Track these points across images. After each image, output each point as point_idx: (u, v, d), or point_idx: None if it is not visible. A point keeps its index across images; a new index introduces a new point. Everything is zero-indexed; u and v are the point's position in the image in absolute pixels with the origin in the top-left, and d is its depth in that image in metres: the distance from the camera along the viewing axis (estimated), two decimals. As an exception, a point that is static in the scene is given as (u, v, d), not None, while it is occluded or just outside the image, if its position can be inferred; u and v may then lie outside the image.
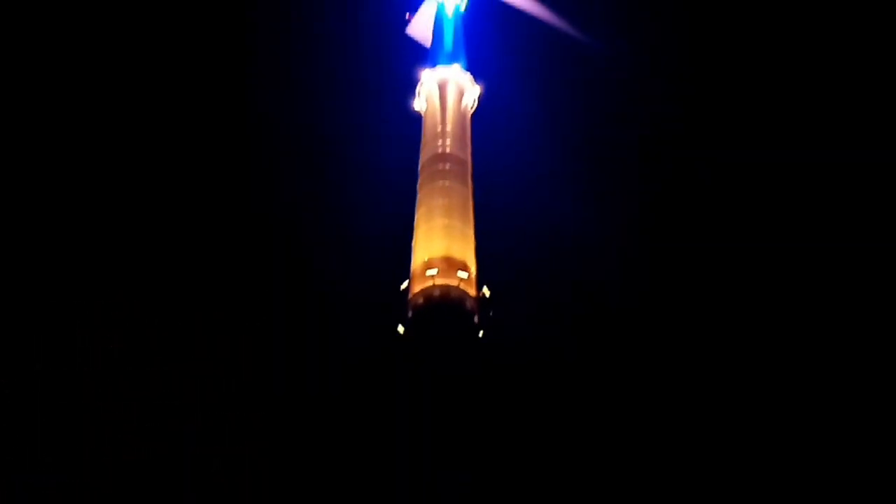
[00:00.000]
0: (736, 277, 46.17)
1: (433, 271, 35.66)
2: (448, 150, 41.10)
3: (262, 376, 45.88)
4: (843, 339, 41.43)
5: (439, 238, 37.07)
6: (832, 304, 42.91)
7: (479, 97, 44.93)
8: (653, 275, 46.98)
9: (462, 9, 49.89)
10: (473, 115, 44.37)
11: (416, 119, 44.49)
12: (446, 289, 35.22)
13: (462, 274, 35.67)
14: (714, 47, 53.98)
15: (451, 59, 46.02)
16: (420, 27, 50.31)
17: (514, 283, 41.08)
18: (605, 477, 34.87)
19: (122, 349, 44.32)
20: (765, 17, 54.19)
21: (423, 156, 41.58)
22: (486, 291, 36.03)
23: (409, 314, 35.27)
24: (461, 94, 44.17)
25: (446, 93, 43.94)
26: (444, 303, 34.56)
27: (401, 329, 34.95)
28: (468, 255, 36.94)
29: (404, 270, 36.93)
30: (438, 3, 49.99)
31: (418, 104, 45.15)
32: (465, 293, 35.31)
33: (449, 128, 41.93)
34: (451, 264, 35.95)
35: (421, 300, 35.19)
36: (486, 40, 50.07)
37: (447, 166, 40.20)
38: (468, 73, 45.36)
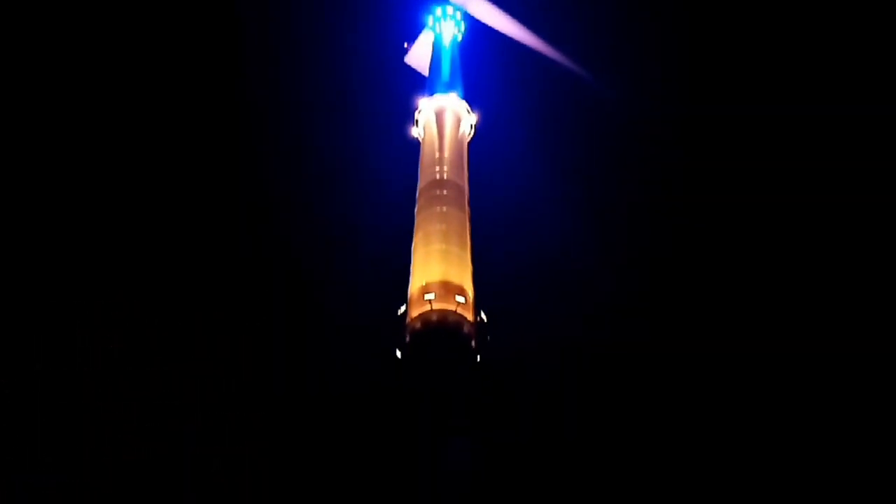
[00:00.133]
0: (735, 305, 45.66)
1: (431, 296, 35.14)
2: (445, 176, 40.91)
3: (262, 376, 44.85)
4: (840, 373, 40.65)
5: (437, 263, 36.65)
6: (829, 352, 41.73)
7: (475, 124, 44.66)
8: (651, 301, 46.44)
9: (459, 38, 49.83)
10: (470, 141, 44.17)
11: (415, 146, 44.09)
12: (444, 313, 34.66)
13: (459, 298, 35.17)
14: (712, 77, 53.97)
15: (449, 87, 45.92)
16: (418, 56, 50.12)
17: (511, 307, 40.49)
18: (601, 498, 34.71)
19: (122, 349, 42.69)
20: (763, 52, 53.99)
21: (421, 182, 41.32)
22: (483, 316, 35.56)
23: (407, 339, 34.61)
24: (458, 122, 44.02)
25: (444, 120, 43.80)
26: (441, 327, 33.98)
27: (398, 353, 34.25)
28: (465, 280, 36.57)
29: (402, 295, 36.32)
30: (436, 34, 49.87)
31: (416, 131, 44.92)
32: (462, 318, 34.77)
33: (446, 154, 41.79)
34: (449, 289, 35.50)
35: (418, 325, 34.58)
36: (482, 69, 50.16)
37: (444, 192, 40.02)
38: (465, 101, 45.17)
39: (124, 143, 55.69)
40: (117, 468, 37.12)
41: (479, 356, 34.14)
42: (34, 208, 49.76)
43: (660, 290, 47.09)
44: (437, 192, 39.72)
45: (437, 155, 41.66)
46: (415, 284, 36.17)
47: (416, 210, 39.92)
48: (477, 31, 50.27)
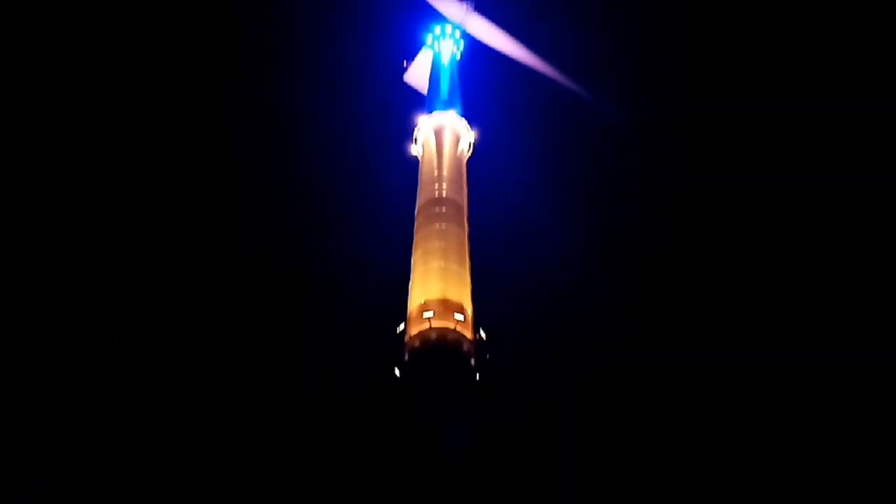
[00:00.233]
0: (735, 316, 44.68)
1: (430, 314, 33.82)
2: (444, 193, 39.57)
3: (262, 376, 44.14)
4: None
5: (436, 280, 35.31)
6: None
7: (474, 142, 43.48)
8: (651, 318, 45.44)
9: (457, 57, 48.89)
10: (469, 159, 43.05)
11: (414, 163, 42.94)
12: (443, 331, 33.34)
13: (458, 316, 33.94)
14: (710, 92, 52.82)
15: (447, 105, 44.63)
16: (417, 75, 48.99)
17: (510, 325, 39.53)
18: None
19: (122, 349, 41.61)
20: (761, 68, 52.71)
21: (420, 199, 40.04)
22: (482, 334, 34.39)
23: (406, 357, 33.29)
24: (457, 140, 42.73)
25: (442, 138, 42.42)
26: (440, 345, 32.68)
27: (397, 372, 33.02)
28: (464, 298, 35.25)
29: (401, 313, 35.08)
30: (435, 52, 48.90)
31: (415, 149, 43.67)
32: (461, 336, 33.50)
33: (445, 172, 40.44)
34: (448, 307, 34.21)
35: (418, 343, 33.26)
36: (480, 87, 49.49)
37: (443, 209, 38.60)
38: (464, 119, 43.91)
39: (125, 146, 53.99)
40: (117, 468, 36.18)
41: (478, 374, 33.08)
42: (34, 208, 48.00)
43: (660, 305, 46.22)
44: (436, 209, 38.48)
45: (435, 172, 40.42)
46: (414, 302, 35.06)
47: (415, 227, 38.73)
48: (475, 49, 49.50)
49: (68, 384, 40.05)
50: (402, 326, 34.37)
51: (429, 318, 33.29)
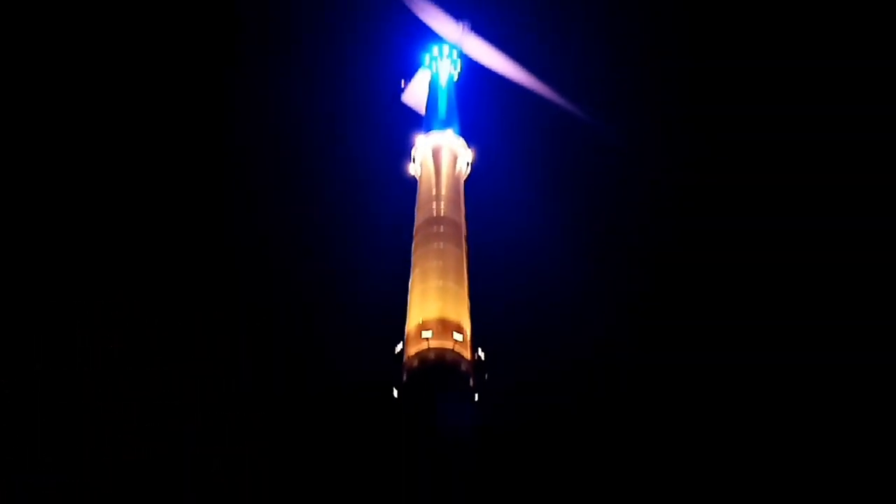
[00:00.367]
0: (736, 335, 42.87)
1: (428, 333, 32.48)
2: (442, 212, 38.17)
3: (262, 376, 43.09)
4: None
5: (434, 300, 34.06)
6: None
7: (472, 162, 42.23)
8: (646, 338, 44.08)
9: (455, 77, 47.60)
10: (467, 179, 41.70)
11: (412, 183, 41.72)
12: (441, 351, 31.97)
13: (457, 336, 32.65)
14: (710, 114, 50.68)
15: (445, 125, 43.26)
16: (415, 95, 47.39)
17: (509, 345, 38.49)
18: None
19: (122, 349, 40.26)
20: (759, 90, 51.03)
21: (418, 219, 38.70)
22: (480, 354, 33.01)
23: (404, 377, 31.96)
24: (455, 159, 41.42)
25: (440, 157, 41.09)
26: (439, 365, 31.36)
27: (395, 392, 31.71)
28: (463, 317, 34.02)
29: (399, 333, 33.74)
30: (432, 72, 47.53)
31: (413, 169, 42.42)
32: (460, 356, 32.21)
33: (443, 191, 39.09)
34: (446, 326, 32.92)
35: (416, 363, 31.87)
36: (478, 107, 47.62)
37: (441, 229, 37.21)
38: (461, 139, 42.63)
39: (126, 148, 51.98)
40: (117, 468, 35.05)
41: (477, 394, 31.78)
42: (34, 208, 45.94)
43: (659, 325, 44.40)
44: (434, 228, 37.14)
45: (433, 192, 39.11)
46: (412, 322, 33.78)
47: (412, 247, 37.34)
48: (473, 69, 48.06)
49: (68, 384, 38.54)
50: (400, 346, 33.10)
51: (427, 338, 32.12)
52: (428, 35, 47.35)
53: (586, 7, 55.39)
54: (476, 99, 46.93)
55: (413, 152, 41.98)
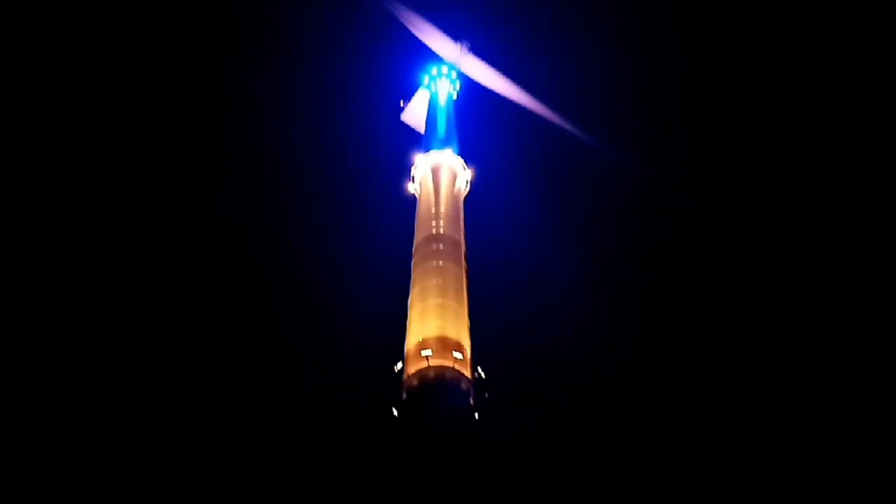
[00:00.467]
0: (739, 358, 41.47)
1: (428, 352, 31.45)
2: (442, 230, 37.34)
3: (261, 376, 42.44)
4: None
5: (433, 318, 33.13)
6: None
7: (471, 180, 41.60)
8: (647, 354, 42.62)
9: (454, 97, 47.24)
10: (466, 197, 40.98)
11: (411, 201, 41.04)
12: (441, 370, 30.95)
13: (457, 354, 31.68)
14: (710, 131, 49.39)
15: (444, 144, 42.74)
16: (414, 114, 46.93)
17: (509, 363, 36.68)
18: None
19: (122, 349, 39.38)
20: (759, 115, 48.81)
21: (418, 236, 37.86)
22: (480, 372, 32.08)
23: (404, 396, 31.07)
24: (454, 178, 40.83)
25: (439, 176, 40.48)
26: (439, 384, 30.43)
27: (395, 411, 30.76)
28: (463, 336, 33.04)
29: (399, 351, 32.81)
30: (431, 92, 47.11)
31: (413, 187, 41.75)
32: (460, 374, 31.23)
33: (442, 209, 38.38)
34: (446, 345, 31.96)
35: (416, 381, 30.96)
36: (477, 126, 47.16)
37: (441, 246, 36.37)
38: (460, 158, 42.06)
39: (127, 149, 50.75)
40: (117, 468, 34.26)
41: (477, 413, 30.81)
42: (34, 209, 44.56)
43: (660, 341, 43.46)
44: (434, 246, 36.33)
45: (433, 210, 38.45)
46: (411, 340, 32.83)
47: (412, 265, 36.51)
48: (471, 89, 47.56)
49: (68, 384, 37.50)
50: (399, 365, 32.20)
51: (427, 357, 31.15)
52: (427, 55, 47.16)
53: (584, 26, 55.26)
54: (475, 118, 46.82)
55: (412, 171, 41.51)
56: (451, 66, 47.31)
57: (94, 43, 49.71)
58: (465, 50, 46.68)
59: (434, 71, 47.47)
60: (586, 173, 51.83)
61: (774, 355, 41.06)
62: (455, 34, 47.11)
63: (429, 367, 30.99)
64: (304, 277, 47.62)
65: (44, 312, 38.93)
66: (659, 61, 53.01)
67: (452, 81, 47.24)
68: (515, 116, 46.94)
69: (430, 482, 26.39)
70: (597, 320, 42.98)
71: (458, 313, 33.56)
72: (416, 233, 38.21)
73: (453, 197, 39.60)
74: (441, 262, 35.34)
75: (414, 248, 37.30)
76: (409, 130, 46.46)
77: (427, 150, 42.48)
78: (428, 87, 47.16)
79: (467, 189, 41.07)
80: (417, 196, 40.96)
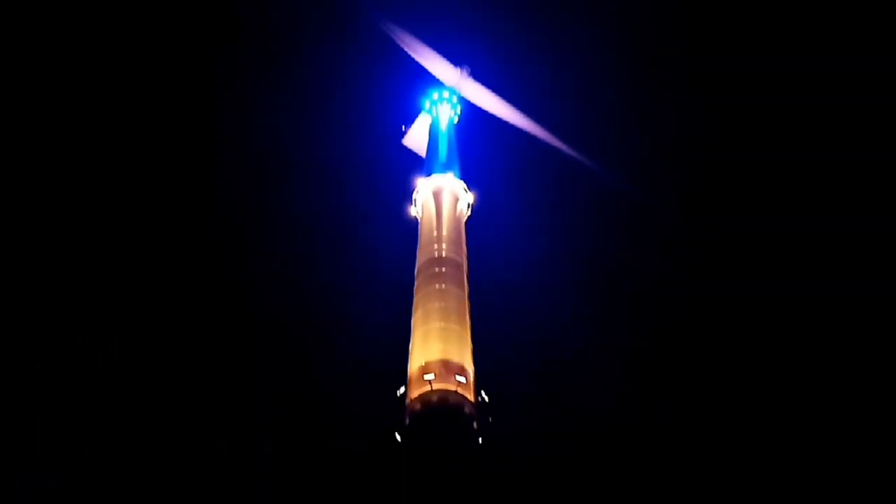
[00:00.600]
0: (742, 386, 39.86)
1: (430, 376, 30.29)
2: (444, 253, 36.23)
3: (261, 376, 41.89)
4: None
5: (436, 341, 32.02)
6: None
7: (472, 203, 40.59)
8: (648, 379, 41.39)
9: (455, 121, 46.57)
10: (468, 220, 39.90)
11: (413, 225, 40.03)
12: (444, 394, 29.78)
13: (460, 378, 30.52)
14: (711, 162, 47.45)
15: (446, 167, 41.93)
16: (415, 138, 46.14)
17: (512, 386, 35.49)
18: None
19: (122, 349, 38.58)
20: (759, 138, 47.27)
21: (420, 260, 36.79)
22: (484, 396, 30.96)
23: (407, 420, 29.92)
24: (455, 201, 39.85)
25: (441, 199, 39.48)
26: (442, 408, 29.29)
27: (398, 436, 29.64)
28: (466, 359, 31.88)
29: (401, 375, 31.72)
30: (433, 116, 46.42)
31: (414, 210, 40.83)
32: (463, 398, 30.06)
33: (444, 232, 37.26)
34: (449, 368, 30.81)
35: (419, 406, 29.79)
36: (478, 150, 46.31)
37: (443, 269, 35.25)
38: (462, 181, 41.19)
39: (127, 148, 49.33)
40: (117, 468, 33.68)
41: (480, 438, 29.61)
42: (35, 209, 43.04)
43: (662, 367, 41.79)
44: (436, 269, 35.25)
45: (435, 233, 37.37)
46: (414, 364, 31.74)
47: (414, 288, 35.48)
48: (472, 113, 46.73)
49: (68, 384, 36.52)
50: (402, 389, 31.16)
51: (430, 381, 30.04)
52: (428, 80, 46.46)
53: (585, 51, 53.72)
54: (476, 142, 46.02)
55: (414, 195, 40.58)
56: (451, 91, 46.80)
57: (100, 52, 48.08)
58: (465, 75, 46.23)
59: (435, 96, 46.90)
60: (587, 196, 50.61)
61: (782, 398, 39.29)
62: (456, 59, 46.87)
63: (432, 391, 30.04)
64: (306, 303, 46.55)
65: (44, 312, 37.65)
66: (661, 86, 51.87)
67: (453, 106, 46.66)
68: (516, 140, 46.12)
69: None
70: (600, 342, 42.00)
71: (461, 336, 32.71)
72: (418, 256, 37.28)
73: (455, 220, 38.78)
74: (443, 286, 34.45)
75: (416, 272, 36.40)
76: (410, 154, 45.83)
77: (429, 173, 41.81)
78: (429, 111, 46.51)
79: (469, 212, 40.27)
80: (419, 219, 40.13)
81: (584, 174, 46.17)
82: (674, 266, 46.77)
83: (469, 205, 40.64)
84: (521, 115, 45.68)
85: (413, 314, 34.36)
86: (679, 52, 51.44)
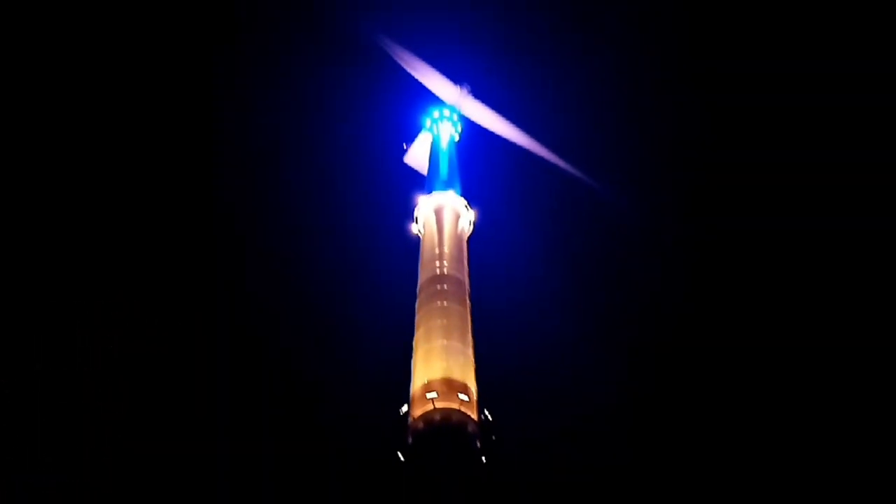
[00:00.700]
0: (742, 417, 38.36)
1: (433, 394, 29.11)
2: (446, 271, 35.05)
3: (261, 377, 41.62)
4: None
5: (438, 359, 30.90)
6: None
7: (473, 221, 39.33)
8: (652, 394, 40.12)
9: (456, 139, 45.87)
10: (469, 237, 38.66)
11: (414, 243, 38.94)
12: (447, 412, 28.59)
13: (463, 397, 29.33)
14: (712, 180, 45.93)
15: (447, 185, 41.05)
16: (417, 156, 45.32)
17: (514, 403, 34.61)
18: None
19: (122, 349, 38.14)
20: (759, 158, 45.30)
21: (422, 277, 35.71)
22: (487, 414, 29.73)
23: (410, 439, 28.74)
24: (457, 218, 38.69)
25: (443, 217, 38.36)
26: (445, 427, 28.07)
27: (400, 455, 28.46)
28: (468, 377, 30.74)
29: (404, 394, 30.61)
30: (434, 135, 45.77)
31: (416, 228, 39.75)
32: (466, 416, 28.88)
33: (446, 249, 36.08)
34: (452, 387, 29.59)
35: (421, 425, 28.61)
36: (479, 168, 45.37)
37: (445, 287, 34.08)
38: (463, 199, 40.14)
39: (129, 151, 48.45)
40: (117, 468, 33.34)
41: (484, 457, 28.39)
42: (35, 209, 42.10)
43: (666, 383, 40.62)
44: (438, 286, 34.10)
45: (436, 250, 36.24)
46: (417, 383, 30.59)
47: (416, 306, 34.36)
48: (473, 131, 45.99)
49: (68, 384, 35.93)
50: (405, 408, 30.05)
51: (432, 399, 28.85)
52: (429, 99, 45.85)
53: (586, 69, 52.83)
54: (477, 160, 45.03)
55: (416, 212, 39.53)
56: (452, 109, 46.21)
57: (100, 52, 46.82)
58: (466, 93, 45.66)
59: (436, 114, 46.35)
60: (588, 213, 49.58)
61: (782, 398, 38.50)
62: (456, 78, 46.33)
63: (434, 409, 28.84)
64: (308, 322, 45.42)
65: (44, 312, 36.80)
66: (662, 104, 50.80)
67: (454, 124, 46.03)
68: (517, 157, 45.34)
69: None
70: (603, 361, 40.71)
71: (463, 354, 31.49)
72: (420, 273, 36.17)
73: (457, 237, 37.65)
74: (445, 303, 33.28)
75: (418, 289, 35.25)
76: (412, 172, 44.98)
77: (430, 191, 40.97)
78: (430, 129, 45.86)
79: (470, 229, 39.10)
80: (421, 237, 39.10)
81: (585, 190, 45.55)
82: (675, 277, 45.71)
83: (470, 222, 39.72)
84: (522, 133, 45.07)
85: (415, 332, 33.40)
86: (685, 75, 50.37)
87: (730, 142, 48.00)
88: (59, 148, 45.35)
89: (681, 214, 47.92)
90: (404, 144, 46.01)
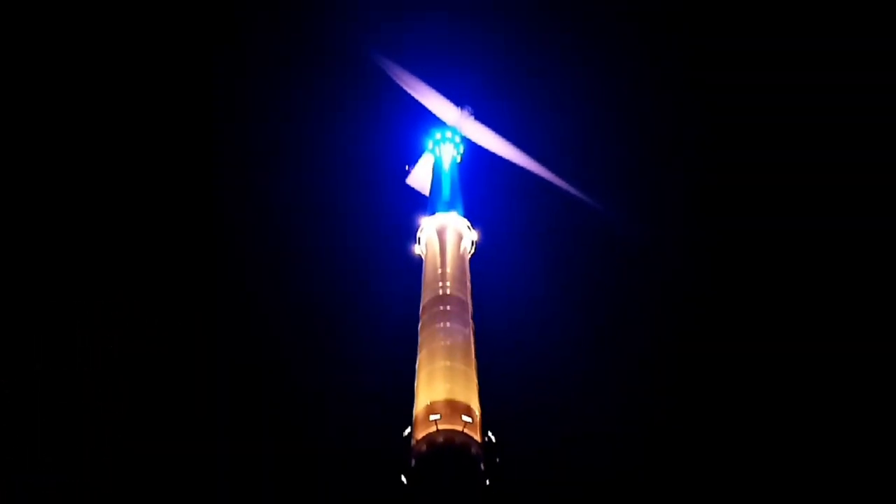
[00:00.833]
0: (740, 423, 37.77)
1: (436, 416, 28.18)
2: (448, 291, 34.13)
3: (261, 377, 41.41)
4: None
5: (441, 381, 29.98)
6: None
7: (476, 241, 38.51)
8: (658, 415, 38.92)
9: (458, 160, 45.50)
10: (471, 258, 37.87)
11: (417, 264, 38.19)
12: (450, 434, 27.60)
13: (466, 418, 28.42)
14: (713, 200, 45.59)
15: (449, 206, 40.39)
16: (419, 177, 45.02)
17: (519, 425, 33.98)
18: None
19: (122, 349, 37.65)
20: (759, 172, 44.29)
21: (424, 298, 34.86)
22: (491, 436, 28.77)
23: (413, 462, 27.77)
24: (459, 239, 37.87)
25: (445, 237, 37.56)
26: (448, 449, 27.08)
27: (403, 478, 27.51)
28: (472, 399, 29.79)
29: (407, 416, 29.79)
30: (436, 156, 45.43)
31: (418, 249, 38.97)
32: (470, 438, 27.88)
33: (448, 270, 35.15)
34: (455, 408, 28.66)
35: (424, 447, 27.62)
36: (481, 189, 44.80)
37: (448, 307, 33.18)
38: (465, 219, 39.29)
39: (129, 152, 47.34)
40: (117, 468, 33.01)
41: (488, 479, 27.41)
42: (35, 209, 40.86)
43: (672, 404, 39.59)
44: (441, 307, 33.21)
45: (439, 271, 35.37)
46: (420, 404, 29.68)
47: (419, 327, 33.49)
48: (475, 152, 45.58)
49: (68, 384, 35.25)
50: (408, 430, 29.17)
51: (435, 421, 27.88)
52: (431, 120, 45.51)
53: (588, 90, 52.33)
54: (479, 181, 44.52)
55: (418, 233, 38.75)
56: (454, 131, 45.98)
57: (100, 52, 45.21)
58: (468, 114, 45.48)
59: (438, 135, 46.02)
60: (591, 234, 48.79)
61: (784, 399, 38.00)
62: (458, 100, 46.22)
63: (437, 431, 27.89)
64: (310, 344, 44.66)
65: (44, 312, 35.76)
66: (664, 124, 50.35)
67: (456, 145, 45.70)
68: (519, 178, 44.82)
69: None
70: (607, 381, 40.17)
71: (466, 375, 30.54)
72: (422, 294, 35.32)
73: (459, 258, 36.85)
74: (448, 324, 32.36)
75: (421, 310, 34.43)
76: (414, 194, 44.60)
77: (432, 212, 40.43)
78: (432, 151, 45.53)
79: (473, 250, 38.28)
80: (423, 258, 38.31)
81: (587, 210, 44.89)
82: (677, 292, 45.16)
83: (473, 243, 38.93)
84: (523, 154, 44.73)
85: (418, 353, 32.54)
86: (686, 94, 49.52)
87: (729, 142, 47.42)
88: (59, 148, 44.46)
89: (681, 227, 47.46)
90: (407, 166, 45.89)
